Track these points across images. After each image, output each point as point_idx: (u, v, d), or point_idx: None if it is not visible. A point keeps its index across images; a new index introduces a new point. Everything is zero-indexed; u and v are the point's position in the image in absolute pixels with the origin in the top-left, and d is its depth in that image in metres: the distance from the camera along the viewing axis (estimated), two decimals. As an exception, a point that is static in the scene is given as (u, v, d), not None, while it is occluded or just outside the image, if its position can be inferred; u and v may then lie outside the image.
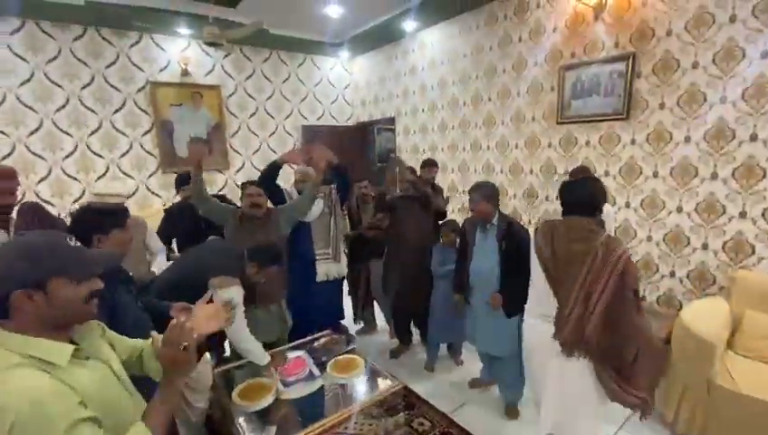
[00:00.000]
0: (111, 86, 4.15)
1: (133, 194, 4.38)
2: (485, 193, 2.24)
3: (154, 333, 1.10)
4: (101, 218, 1.42)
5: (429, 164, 3.13)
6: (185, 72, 4.51)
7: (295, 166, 2.90)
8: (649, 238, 2.88)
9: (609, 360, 1.56)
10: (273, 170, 2.68)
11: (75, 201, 4.02)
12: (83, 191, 4.08)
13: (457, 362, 2.96)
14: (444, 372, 2.88)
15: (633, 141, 2.91)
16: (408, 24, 4.36)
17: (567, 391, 1.64)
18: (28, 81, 3.75)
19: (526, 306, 1.87)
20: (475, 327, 2.40)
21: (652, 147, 2.82)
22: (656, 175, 2.82)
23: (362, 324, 3.57)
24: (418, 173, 3.07)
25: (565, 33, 3.21)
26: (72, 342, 0.88)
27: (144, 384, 1.05)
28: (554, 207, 3.31)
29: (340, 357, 2.30)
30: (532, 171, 3.64)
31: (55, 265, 0.81)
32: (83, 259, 0.87)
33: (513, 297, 2.12)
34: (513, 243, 2.16)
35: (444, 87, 4.41)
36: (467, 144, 4.23)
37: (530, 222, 3.72)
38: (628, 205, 2.98)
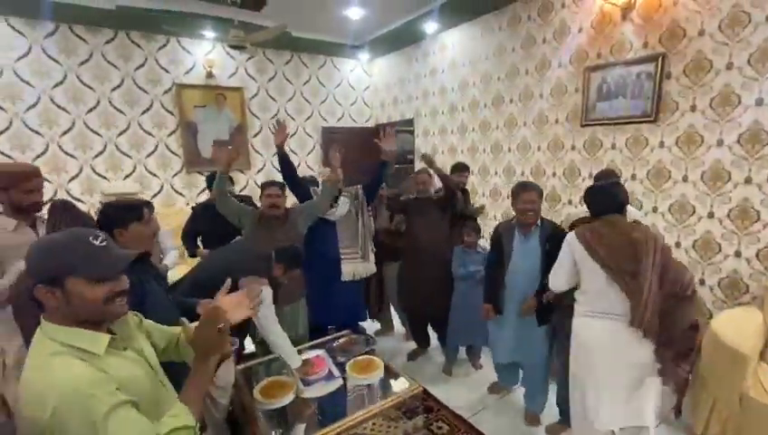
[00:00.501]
0: (139, 88, 4.27)
1: (158, 193, 4.50)
2: (540, 193, 2.16)
3: (183, 319, 1.13)
4: (120, 213, 1.47)
5: (461, 168, 3.06)
6: (209, 75, 4.62)
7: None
8: (678, 245, 2.79)
9: (675, 339, 1.66)
10: (286, 164, 2.65)
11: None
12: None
13: (476, 365, 2.93)
14: (462, 375, 2.85)
15: (662, 144, 2.83)
16: (430, 26, 4.35)
17: (635, 382, 1.72)
18: (61, 83, 3.90)
19: (576, 307, 1.85)
20: (501, 337, 2.34)
21: (682, 150, 2.73)
22: (685, 179, 2.73)
23: (379, 326, 3.57)
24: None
25: (591, 34, 3.15)
26: (109, 331, 0.91)
27: (181, 372, 1.07)
28: (576, 212, 3.23)
29: (360, 358, 2.30)
30: (554, 174, 3.57)
31: (70, 265, 0.82)
32: (102, 260, 0.86)
33: (548, 303, 2.10)
34: (557, 245, 1.97)
35: (464, 89, 4.38)
36: (488, 146, 4.19)
37: (551, 226, 3.66)
38: (655, 210, 2.89)
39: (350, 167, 2.93)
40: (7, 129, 3.72)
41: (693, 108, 2.65)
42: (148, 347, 1.02)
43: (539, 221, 2.17)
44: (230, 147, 2.45)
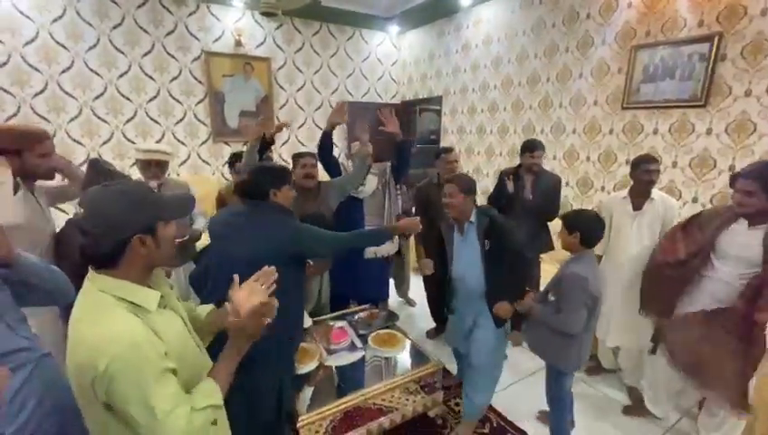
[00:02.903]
0: (169, 54, 4.27)
1: (185, 161, 4.57)
2: (464, 185, 1.89)
3: (227, 303, 1.09)
4: (278, 175, 1.66)
5: (535, 147, 2.73)
6: (238, 43, 4.57)
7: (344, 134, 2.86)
8: (717, 237, 2.67)
9: None
10: (327, 139, 2.63)
11: (132, 165, 4.24)
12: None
13: None
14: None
15: (709, 131, 2.67)
16: (465, -2, 4.17)
17: None
18: (94, 46, 3.93)
19: None
20: (457, 336, 2.18)
21: (731, 138, 2.57)
22: (732, 169, 2.58)
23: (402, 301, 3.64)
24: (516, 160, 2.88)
25: (641, 10, 2.95)
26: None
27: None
28: (609, 199, 3.12)
29: (381, 331, 2.33)
30: (588, 159, 3.44)
31: (157, 210, 0.88)
32: (173, 203, 0.95)
33: (510, 299, 1.88)
34: (498, 239, 1.85)
35: (498, 66, 4.22)
36: (519, 127, 4.06)
37: (581, 212, 3.56)
38: (695, 200, 2.76)
39: (380, 143, 2.87)
40: (43, 90, 3.79)
41: (748, 93, 2.48)
42: (182, 308, 1.03)
43: (472, 217, 1.94)
44: (261, 117, 2.42)
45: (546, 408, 2.09)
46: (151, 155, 2.29)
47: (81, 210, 0.83)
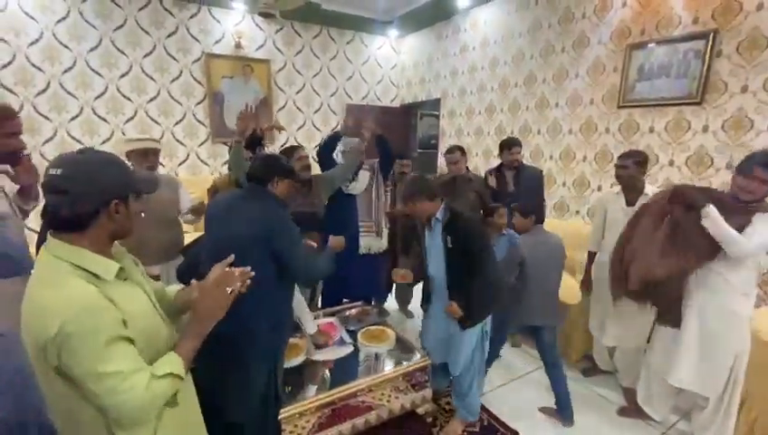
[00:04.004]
0: (170, 56, 4.33)
1: (184, 161, 4.60)
2: (407, 194, 1.89)
3: (194, 280, 1.09)
4: (283, 166, 1.67)
5: (513, 144, 2.84)
6: (238, 45, 4.62)
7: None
8: (715, 236, 2.62)
9: None
10: (333, 141, 2.67)
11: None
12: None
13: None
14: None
15: (706, 129, 2.64)
16: (462, 1, 4.20)
17: None
18: (96, 47, 3.99)
19: None
20: (428, 329, 2.14)
21: (728, 135, 2.55)
22: (729, 166, 2.54)
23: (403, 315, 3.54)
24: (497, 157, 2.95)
25: (636, 9, 2.95)
26: None
27: None
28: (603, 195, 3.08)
29: (372, 327, 2.30)
30: (585, 158, 3.42)
31: (131, 180, 0.88)
32: (144, 178, 0.94)
33: (468, 305, 1.85)
34: (459, 238, 1.82)
35: (494, 67, 4.23)
36: (516, 128, 4.04)
37: (577, 212, 3.52)
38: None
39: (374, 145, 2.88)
40: (45, 90, 3.85)
41: (744, 89, 2.46)
42: (148, 284, 1.00)
43: (438, 213, 1.89)
44: (240, 111, 2.33)
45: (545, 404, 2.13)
46: (147, 144, 2.23)
47: (54, 171, 0.80)
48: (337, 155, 2.76)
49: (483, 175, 3.08)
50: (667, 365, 1.93)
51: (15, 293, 1.34)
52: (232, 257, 1.05)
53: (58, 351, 0.73)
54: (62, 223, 0.82)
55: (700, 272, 1.80)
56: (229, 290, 0.95)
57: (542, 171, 3.07)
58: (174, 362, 0.85)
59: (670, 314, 1.94)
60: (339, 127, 2.69)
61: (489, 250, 1.88)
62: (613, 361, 2.45)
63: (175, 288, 1.14)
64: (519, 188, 2.81)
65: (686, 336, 1.86)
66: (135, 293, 0.91)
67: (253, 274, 1.03)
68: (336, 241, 1.92)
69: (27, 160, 1.44)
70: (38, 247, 1.33)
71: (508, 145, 2.86)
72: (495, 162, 4.30)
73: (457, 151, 2.86)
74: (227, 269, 1.00)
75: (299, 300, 2.10)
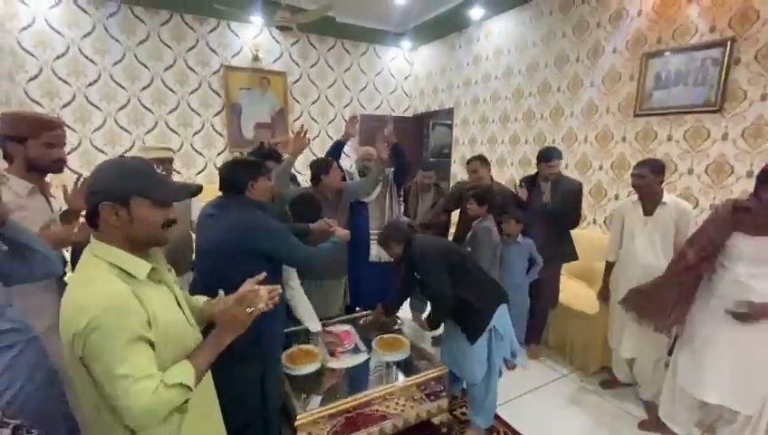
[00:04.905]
0: (189, 68, 4.46)
1: (202, 171, 4.70)
2: (387, 235, 2.18)
3: (221, 291, 1.11)
4: (252, 167, 1.63)
5: (551, 156, 2.66)
6: (255, 58, 4.74)
7: (355, 145, 2.95)
8: (737, 246, 2.56)
9: None
10: (337, 148, 2.79)
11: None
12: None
13: (509, 366, 2.78)
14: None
15: (725, 136, 2.60)
16: (476, 12, 4.24)
17: None
18: (120, 61, 4.14)
19: None
20: (443, 347, 2.31)
21: (748, 143, 2.50)
22: (750, 175, 2.49)
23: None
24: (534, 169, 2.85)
25: (651, 18, 2.94)
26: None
27: None
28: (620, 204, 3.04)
29: (386, 335, 2.29)
30: (601, 167, 3.39)
31: (139, 186, 0.87)
32: (169, 186, 0.94)
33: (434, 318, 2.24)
34: (411, 263, 2.14)
35: (509, 77, 4.24)
36: (530, 137, 4.04)
37: (594, 222, 3.48)
38: (713, 207, 2.67)
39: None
40: (71, 102, 4.00)
41: (764, 97, 2.42)
42: (178, 288, 1.04)
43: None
44: (301, 130, 2.33)
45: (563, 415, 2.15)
46: (158, 153, 2.23)
47: None
48: (351, 166, 2.81)
49: (516, 181, 2.97)
50: (694, 380, 1.86)
51: (51, 296, 1.38)
52: (263, 275, 1.08)
53: (83, 344, 0.77)
54: (86, 219, 0.89)
55: (727, 279, 1.75)
56: (249, 310, 0.97)
57: (581, 184, 2.79)
58: (186, 372, 0.87)
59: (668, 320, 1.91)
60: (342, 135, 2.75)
61: (433, 272, 2.03)
62: (633, 373, 2.39)
63: (202, 298, 1.17)
64: (554, 201, 2.65)
65: (715, 350, 1.79)
66: (164, 294, 0.94)
67: (280, 291, 1.07)
68: (342, 232, 2.01)
69: (83, 185, 1.23)
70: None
71: (546, 157, 2.66)
72: (507, 171, 4.32)
73: (476, 161, 2.85)
74: (255, 287, 1.02)
75: (299, 299, 2.13)
